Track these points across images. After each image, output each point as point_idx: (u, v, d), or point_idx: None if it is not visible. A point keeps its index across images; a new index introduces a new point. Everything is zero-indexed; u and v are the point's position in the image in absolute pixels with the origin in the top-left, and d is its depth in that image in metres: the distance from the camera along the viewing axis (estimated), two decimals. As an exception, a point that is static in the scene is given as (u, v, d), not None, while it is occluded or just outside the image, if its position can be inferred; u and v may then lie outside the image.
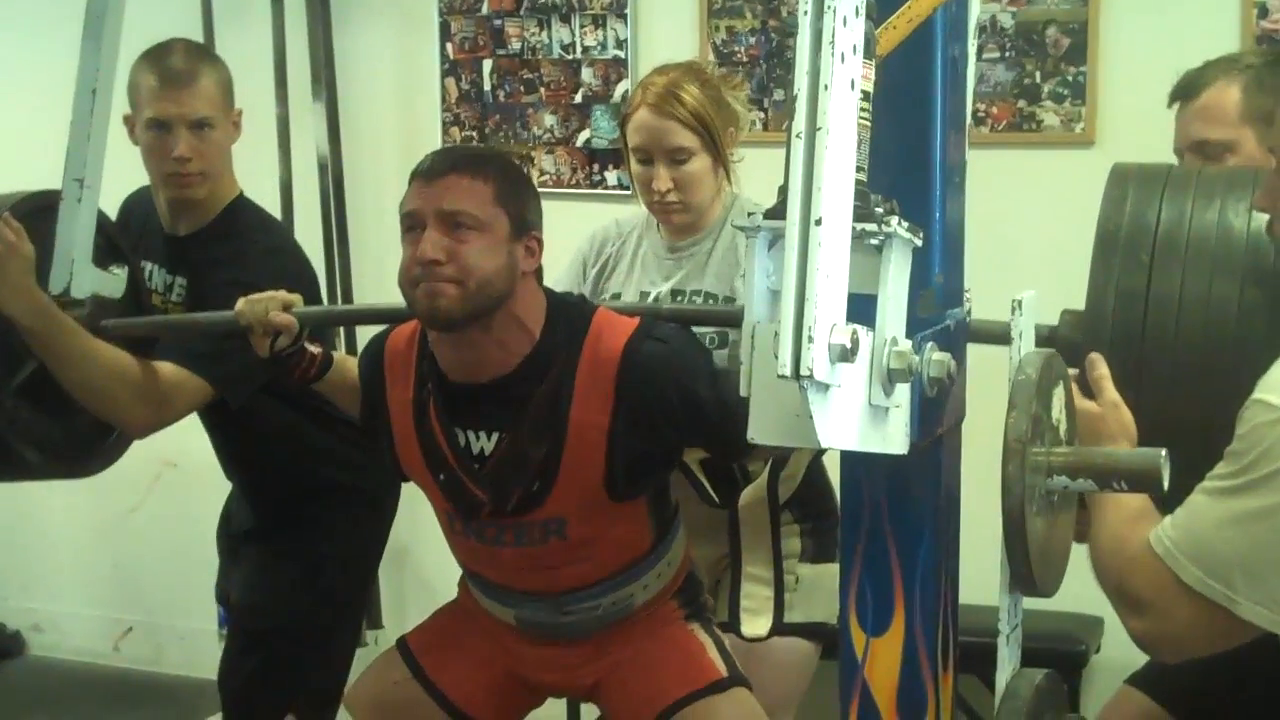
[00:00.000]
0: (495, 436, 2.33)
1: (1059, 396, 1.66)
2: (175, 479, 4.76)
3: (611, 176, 4.04)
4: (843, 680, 1.70)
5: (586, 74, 4.05)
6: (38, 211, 2.65)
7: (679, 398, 2.27)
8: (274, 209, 3.66)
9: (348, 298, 4.23)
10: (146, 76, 2.81)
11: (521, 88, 4.10)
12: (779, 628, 2.75)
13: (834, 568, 2.83)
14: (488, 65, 4.15)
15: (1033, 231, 3.52)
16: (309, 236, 3.70)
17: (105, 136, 2.57)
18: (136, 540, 4.92)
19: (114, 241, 2.85)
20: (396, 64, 4.26)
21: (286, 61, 4.16)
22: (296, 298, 2.53)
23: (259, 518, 3.17)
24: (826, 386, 1.31)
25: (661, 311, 2.46)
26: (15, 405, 2.68)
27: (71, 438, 2.81)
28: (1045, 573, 1.62)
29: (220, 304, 2.65)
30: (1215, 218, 1.88)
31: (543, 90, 4.11)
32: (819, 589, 2.80)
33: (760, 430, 1.43)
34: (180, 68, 2.81)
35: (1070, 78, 3.56)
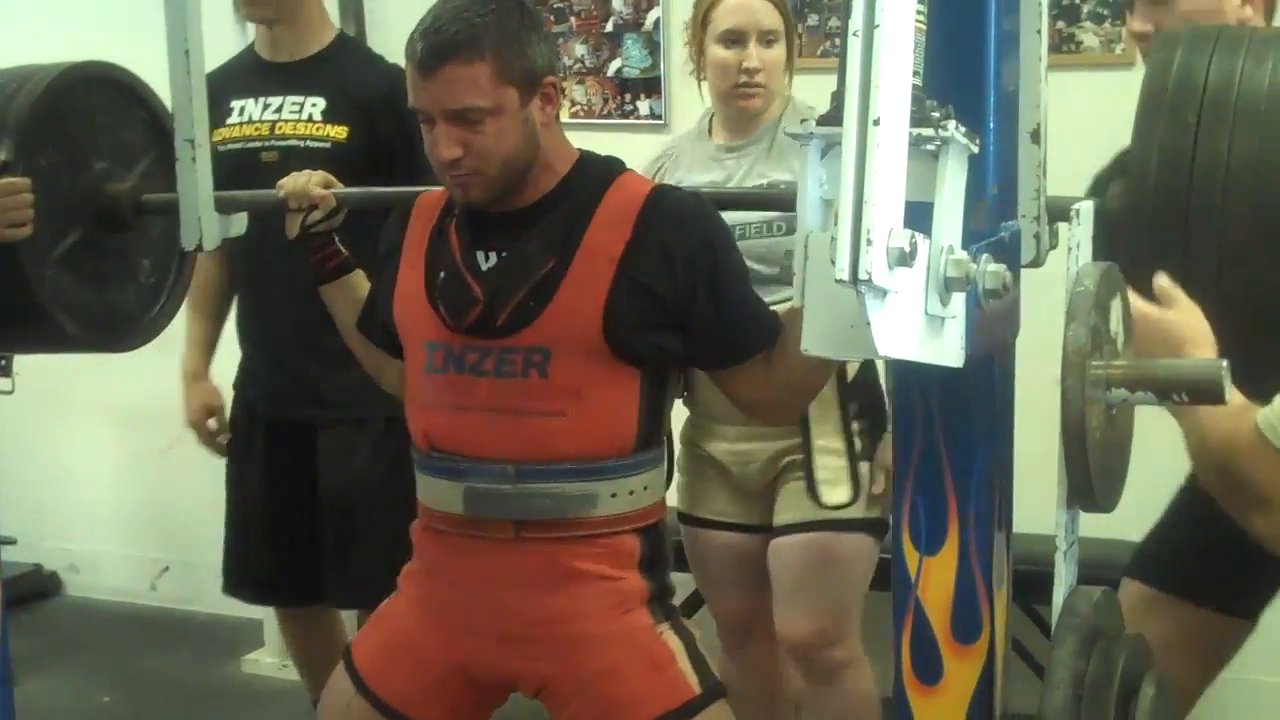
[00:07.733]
0: (506, 253, 2.28)
1: (1117, 308, 1.63)
2: (209, 418, 4.75)
3: (644, 106, 4.01)
4: (896, 601, 1.68)
5: (617, 2, 4.00)
6: (78, 85, 2.69)
7: (700, 243, 2.20)
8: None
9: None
10: None
11: (551, 16, 4.03)
12: (856, 496, 2.79)
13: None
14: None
15: (1072, 154, 3.45)
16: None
17: (204, 94, 2.62)
18: (172, 479, 4.93)
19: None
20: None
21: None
22: (333, 180, 2.54)
23: (316, 388, 3.14)
24: (884, 292, 1.28)
25: (701, 193, 2.37)
26: (57, 274, 2.65)
27: (110, 310, 2.78)
28: (1104, 487, 1.59)
29: None
30: (1267, 79, 1.79)
31: (573, 19, 4.06)
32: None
33: (814, 342, 1.40)
34: None
35: (1110, -2, 3.49)
